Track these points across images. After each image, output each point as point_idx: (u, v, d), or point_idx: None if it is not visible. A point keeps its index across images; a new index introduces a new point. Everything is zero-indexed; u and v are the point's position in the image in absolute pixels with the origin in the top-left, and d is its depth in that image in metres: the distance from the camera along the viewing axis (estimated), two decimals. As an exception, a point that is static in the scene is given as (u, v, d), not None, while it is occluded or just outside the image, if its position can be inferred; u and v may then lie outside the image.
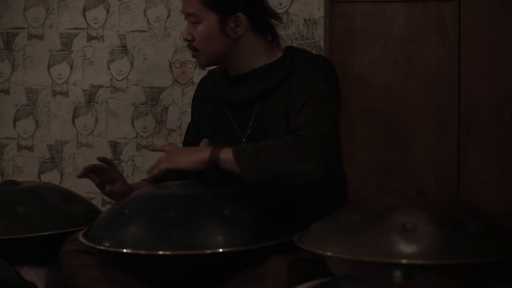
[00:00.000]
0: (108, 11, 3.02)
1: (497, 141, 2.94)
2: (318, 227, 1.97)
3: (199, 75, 2.85)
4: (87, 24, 3.03)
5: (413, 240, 1.77)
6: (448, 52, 2.95)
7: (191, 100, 2.58)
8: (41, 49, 3.06)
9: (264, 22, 2.35)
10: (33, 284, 2.00)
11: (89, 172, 2.32)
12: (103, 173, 2.33)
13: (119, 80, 3.02)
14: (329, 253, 1.84)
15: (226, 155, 2.13)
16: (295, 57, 2.32)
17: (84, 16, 3.03)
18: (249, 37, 2.31)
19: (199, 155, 2.17)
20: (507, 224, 1.91)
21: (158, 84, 2.99)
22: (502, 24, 2.93)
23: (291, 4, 2.88)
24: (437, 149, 2.97)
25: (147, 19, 2.99)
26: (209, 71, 2.50)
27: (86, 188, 2.82)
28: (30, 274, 2.23)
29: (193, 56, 2.37)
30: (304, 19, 2.88)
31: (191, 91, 2.81)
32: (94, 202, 2.70)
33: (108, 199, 2.72)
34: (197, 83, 2.58)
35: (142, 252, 1.95)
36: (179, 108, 2.97)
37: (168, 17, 2.98)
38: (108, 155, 3.01)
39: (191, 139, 2.51)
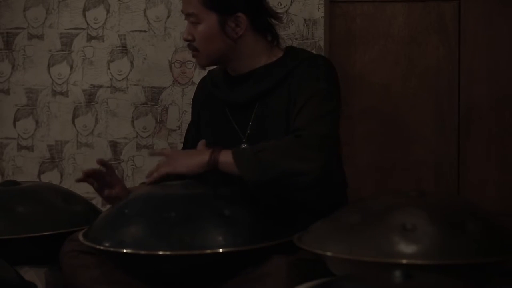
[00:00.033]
0: (108, 11, 3.02)
1: (497, 141, 2.94)
2: (318, 227, 1.97)
3: (199, 75, 2.86)
4: (87, 24, 3.03)
5: (413, 240, 1.77)
6: (448, 52, 2.95)
7: (191, 100, 2.58)
8: (41, 49, 3.06)
9: (264, 22, 2.35)
10: (33, 284, 2.00)
11: (88, 177, 2.31)
12: (102, 177, 2.33)
13: (119, 80, 3.02)
14: (329, 253, 1.84)
15: (226, 157, 2.13)
16: (295, 57, 2.32)
17: (84, 16, 3.03)
18: (249, 37, 2.31)
19: (198, 158, 2.16)
20: (507, 224, 1.91)
21: (158, 84, 2.99)
22: (502, 24, 2.93)
23: (291, 4, 2.88)
24: (437, 149, 2.97)
25: (147, 19, 2.99)
26: (209, 71, 2.50)
27: (86, 188, 2.80)
28: (30, 274, 2.23)
29: (193, 56, 2.37)
30: (304, 19, 2.88)
31: (191, 91, 2.81)
32: (94, 202, 2.70)
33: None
34: (197, 83, 2.58)
35: (142, 252, 1.95)
36: (179, 108, 2.97)
37: (168, 17, 2.98)
38: (108, 155, 3.01)
39: (191, 139, 2.51)
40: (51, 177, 3.05)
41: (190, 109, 2.57)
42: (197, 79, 2.81)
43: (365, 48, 2.99)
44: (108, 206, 2.79)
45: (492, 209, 2.49)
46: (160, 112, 2.99)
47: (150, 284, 2.07)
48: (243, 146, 2.33)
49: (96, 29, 3.03)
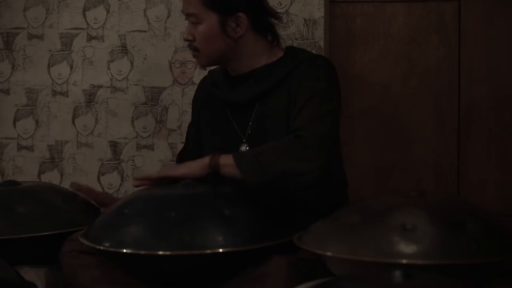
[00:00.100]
0: (108, 11, 3.02)
1: (497, 141, 2.94)
2: (318, 227, 1.97)
3: (199, 75, 2.86)
4: (87, 24, 3.03)
5: (413, 240, 1.77)
6: (448, 52, 2.95)
7: (191, 100, 2.58)
8: (41, 49, 3.06)
9: (265, 22, 2.35)
10: (33, 284, 2.00)
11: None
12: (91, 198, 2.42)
13: (119, 80, 3.02)
14: (329, 253, 1.84)
15: (226, 160, 2.13)
16: (295, 57, 2.32)
17: (84, 16, 3.03)
18: (249, 37, 2.31)
19: (199, 162, 2.17)
20: (507, 224, 1.91)
21: (158, 84, 2.99)
22: (502, 24, 2.93)
23: (291, 4, 2.88)
24: (437, 149, 2.97)
25: (147, 19, 2.99)
26: (209, 71, 2.50)
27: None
28: (30, 274, 2.23)
29: (194, 56, 2.37)
30: (304, 19, 2.88)
31: (191, 91, 2.81)
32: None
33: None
34: (197, 83, 2.58)
35: (142, 252, 1.95)
36: (179, 108, 2.97)
37: (168, 17, 2.98)
38: (108, 155, 3.01)
39: (191, 139, 2.51)
40: (51, 177, 3.05)
41: (190, 109, 2.57)
42: (197, 79, 2.81)
43: (365, 48, 3.00)
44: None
45: (492, 209, 2.49)
46: (160, 112, 2.99)
47: (150, 284, 2.07)
48: (243, 146, 2.33)
49: (96, 29, 3.03)
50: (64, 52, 3.05)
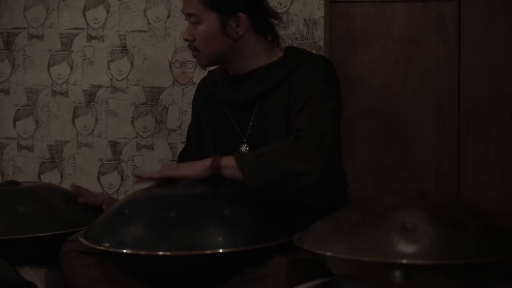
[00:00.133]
0: (108, 11, 3.02)
1: (497, 141, 2.94)
2: (318, 227, 1.97)
3: (199, 75, 2.86)
4: (87, 24, 3.03)
5: (413, 240, 1.77)
6: (448, 52, 2.95)
7: (191, 100, 2.58)
8: (41, 49, 3.06)
9: (265, 22, 2.35)
10: (33, 284, 2.00)
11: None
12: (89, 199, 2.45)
13: (119, 80, 3.02)
14: (329, 253, 1.84)
15: (228, 161, 2.13)
16: (295, 57, 2.32)
17: (84, 16, 3.03)
18: (249, 37, 2.31)
19: (200, 163, 2.16)
20: (507, 224, 1.91)
21: (158, 84, 2.99)
22: (502, 24, 2.93)
23: (291, 4, 2.88)
24: (437, 149, 2.97)
25: (147, 19, 2.99)
26: (209, 72, 2.50)
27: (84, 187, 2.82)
28: (30, 274, 2.23)
29: (194, 56, 2.37)
30: (304, 19, 2.88)
31: (191, 91, 2.81)
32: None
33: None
34: (197, 83, 2.58)
35: (142, 252, 1.95)
36: (179, 108, 2.97)
37: (168, 17, 2.98)
38: (108, 155, 3.01)
39: (192, 140, 2.51)
40: (51, 177, 3.05)
41: (190, 109, 2.57)
42: (197, 79, 2.81)
43: (365, 48, 2.99)
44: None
45: (492, 209, 2.49)
46: (160, 112, 2.99)
47: (150, 285, 2.07)
48: (244, 146, 2.33)
49: (96, 29, 3.03)
50: (64, 52, 3.05)
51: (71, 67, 3.04)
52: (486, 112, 2.94)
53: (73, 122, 3.05)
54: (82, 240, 2.07)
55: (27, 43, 3.07)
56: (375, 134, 3.00)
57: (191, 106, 2.57)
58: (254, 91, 2.32)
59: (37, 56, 3.06)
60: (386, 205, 1.90)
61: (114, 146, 3.02)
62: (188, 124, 2.58)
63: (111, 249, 1.99)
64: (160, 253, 1.94)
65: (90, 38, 3.03)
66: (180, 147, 2.91)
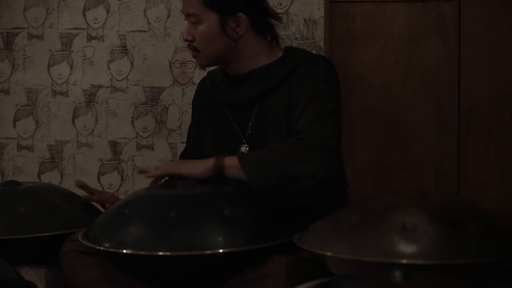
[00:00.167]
0: (108, 11, 3.02)
1: (497, 141, 2.94)
2: (318, 227, 1.97)
3: (199, 75, 2.85)
4: (87, 24, 3.03)
5: (413, 240, 1.77)
6: (448, 52, 2.95)
7: (191, 100, 2.58)
8: (41, 49, 3.06)
9: (264, 22, 2.35)
10: (33, 284, 2.00)
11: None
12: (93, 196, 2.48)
13: (119, 80, 3.02)
14: (329, 253, 1.84)
15: (231, 161, 2.13)
16: (295, 57, 2.32)
17: (84, 16, 3.03)
18: (249, 37, 2.31)
19: (203, 162, 2.16)
20: (507, 224, 1.91)
21: (158, 84, 2.99)
22: (502, 24, 2.93)
23: (291, 4, 2.88)
24: (437, 149, 2.97)
25: (147, 19, 2.99)
26: (208, 72, 2.50)
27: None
28: (30, 274, 2.23)
29: (194, 56, 2.37)
30: (304, 19, 2.88)
31: (191, 91, 2.81)
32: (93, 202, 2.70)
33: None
34: (197, 83, 2.58)
35: (142, 252, 1.95)
36: (179, 108, 2.97)
37: (168, 17, 2.98)
38: (108, 155, 3.01)
39: (192, 140, 2.51)
40: (51, 177, 3.05)
41: (190, 109, 2.57)
42: (197, 79, 2.81)
43: (365, 48, 2.99)
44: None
45: (492, 209, 2.49)
46: (160, 112, 2.99)
47: (150, 285, 2.07)
48: (243, 146, 2.33)
49: (96, 29, 3.03)
50: (64, 52, 3.05)
51: (71, 67, 3.04)
52: (486, 112, 2.94)
53: (73, 122, 3.05)
54: (82, 240, 2.07)
55: (27, 43, 3.07)
56: (375, 134, 2.99)
57: (191, 106, 2.57)
58: (254, 91, 2.31)
59: (37, 56, 3.06)
60: (386, 205, 1.90)
61: (114, 146, 3.02)
62: (188, 124, 2.58)
63: (111, 249, 1.99)
64: (160, 253, 1.94)
65: (90, 38, 3.03)
66: (180, 147, 2.91)
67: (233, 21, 2.28)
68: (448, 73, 2.95)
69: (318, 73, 2.27)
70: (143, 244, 1.96)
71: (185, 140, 2.62)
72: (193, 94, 2.57)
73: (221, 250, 1.94)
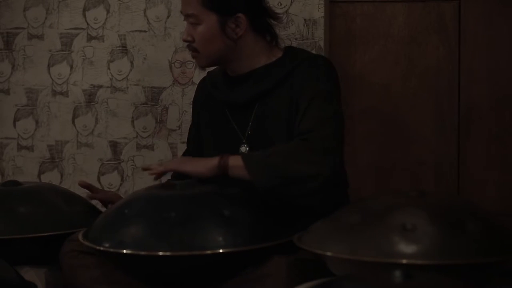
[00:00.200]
0: (108, 11, 3.02)
1: (497, 141, 2.94)
2: (318, 227, 1.97)
3: (199, 75, 2.86)
4: (87, 24, 3.03)
5: (413, 240, 1.77)
6: (448, 52, 2.95)
7: (191, 100, 2.58)
8: (41, 49, 3.06)
9: (264, 23, 2.35)
10: (33, 284, 2.00)
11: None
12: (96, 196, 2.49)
13: (119, 80, 3.02)
14: (329, 253, 1.84)
15: (235, 161, 2.13)
16: (294, 57, 2.32)
17: (84, 16, 3.03)
18: (249, 37, 2.31)
19: (208, 161, 2.16)
20: (507, 224, 1.91)
21: (158, 84, 2.99)
22: (502, 24, 2.93)
23: (291, 4, 2.88)
24: (437, 149, 2.97)
25: (147, 19, 2.99)
26: (208, 72, 2.50)
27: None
28: (30, 274, 2.23)
29: (193, 57, 2.37)
30: (304, 19, 2.88)
31: (191, 91, 2.81)
32: (94, 202, 2.70)
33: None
34: (197, 83, 2.58)
35: (142, 252, 1.95)
36: (179, 108, 2.97)
37: (168, 17, 2.98)
38: (108, 155, 3.01)
39: (192, 140, 2.51)
40: (51, 177, 3.05)
41: (190, 109, 2.57)
42: (197, 79, 2.81)
43: (365, 48, 2.99)
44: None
45: (492, 209, 2.49)
46: (160, 112, 2.99)
47: (150, 285, 2.06)
48: (243, 146, 2.33)
49: (96, 29, 3.03)
50: (64, 52, 3.05)
51: (71, 67, 3.04)
52: (486, 112, 2.94)
53: (73, 122, 3.05)
54: (82, 240, 2.07)
55: (27, 43, 3.07)
56: (375, 134, 2.99)
57: (191, 106, 2.57)
58: (254, 91, 2.31)
59: (37, 56, 3.06)
60: (386, 205, 1.90)
61: (114, 146, 3.02)
62: (188, 124, 2.58)
63: (111, 249, 1.99)
64: (160, 253, 1.94)
65: (90, 38, 3.03)
66: (180, 147, 2.91)
67: (233, 22, 2.28)
68: (448, 73, 2.96)
69: (318, 73, 2.26)
70: (143, 244, 1.96)
71: (185, 140, 2.62)
72: (193, 94, 2.57)
73: (221, 250, 1.94)
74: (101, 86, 3.03)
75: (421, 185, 2.94)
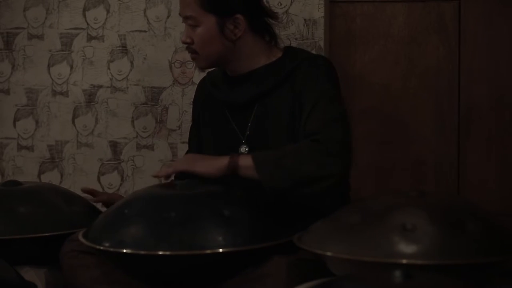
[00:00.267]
0: (108, 11, 3.02)
1: (497, 141, 2.94)
2: (318, 227, 1.97)
3: (199, 75, 2.85)
4: (87, 24, 3.03)
5: (413, 240, 1.77)
6: (448, 52, 2.95)
7: (191, 100, 2.58)
8: (41, 49, 3.06)
9: (262, 23, 2.35)
10: (33, 284, 2.00)
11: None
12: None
13: (119, 80, 3.02)
14: (329, 253, 1.84)
15: (246, 161, 2.12)
16: (294, 57, 2.32)
17: (84, 16, 3.03)
18: (248, 38, 2.31)
19: (217, 161, 2.15)
20: (507, 224, 1.91)
21: (158, 84, 2.99)
22: (502, 24, 2.93)
23: (291, 4, 2.88)
24: (437, 149, 2.97)
25: (147, 19, 2.99)
26: (208, 72, 2.50)
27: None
28: (30, 274, 2.23)
29: (192, 58, 2.36)
30: (304, 19, 2.88)
31: (191, 91, 2.81)
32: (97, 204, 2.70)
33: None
34: (197, 83, 2.58)
35: (142, 252, 1.95)
36: (179, 108, 2.97)
37: (168, 17, 2.98)
38: (108, 155, 3.01)
39: (193, 141, 2.51)
40: (51, 177, 3.05)
41: (190, 109, 2.57)
42: (197, 79, 2.81)
43: (365, 48, 2.99)
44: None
45: (492, 209, 2.49)
46: (160, 112, 2.99)
47: (150, 284, 2.07)
48: (243, 147, 2.33)
49: (96, 29, 3.03)
50: (64, 52, 3.05)
51: (71, 67, 3.04)
52: (486, 112, 2.94)
53: (73, 122, 3.05)
54: (82, 240, 2.07)
55: (27, 43, 3.07)
56: (375, 134, 2.99)
57: (191, 106, 2.57)
58: (254, 91, 2.31)
59: (37, 56, 3.06)
60: (386, 205, 1.90)
61: (114, 146, 3.02)
62: (188, 124, 2.59)
63: (111, 249, 1.99)
64: (160, 252, 1.94)
65: (90, 38, 3.03)
66: (180, 147, 2.91)
67: (231, 23, 2.28)
68: (448, 73, 2.96)
69: (319, 73, 2.26)
70: (143, 243, 1.96)
71: (185, 140, 2.62)
72: (193, 94, 2.57)
73: (220, 250, 1.94)
74: (101, 86, 3.03)
75: (421, 185, 2.94)
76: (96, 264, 2.11)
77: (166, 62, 2.98)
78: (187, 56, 2.88)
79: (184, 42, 2.33)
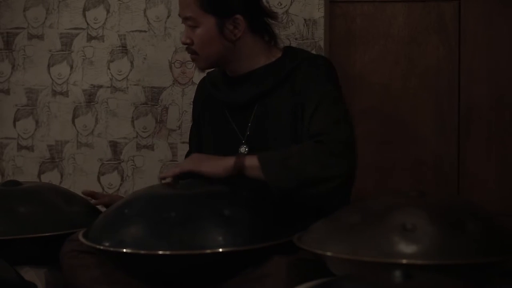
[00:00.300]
0: (108, 11, 3.02)
1: (497, 141, 2.94)
2: (318, 227, 1.97)
3: (199, 75, 2.85)
4: (87, 24, 3.03)
5: (413, 240, 1.77)
6: (448, 52, 2.95)
7: (191, 100, 2.58)
8: (41, 49, 3.06)
9: (262, 23, 2.35)
10: (33, 284, 2.00)
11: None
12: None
13: (119, 80, 3.02)
14: (329, 253, 1.84)
15: (251, 162, 2.12)
16: (294, 57, 2.32)
17: (84, 16, 3.03)
18: (247, 38, 2.31)
19: (223, 161, 2.15)
20: (507, 224, 1.91)
21: (158, 84, 2.99)
22: (502, 24, 2.93)
23: (291, 4, 2.88)
24: (437, 149, 2.97)
25: (147, 19, 2.99)
26: (208, 72, 2.50)
27: (86, 189, 2.82)
28: (30, 274, 2.23)
29: (192, 59, 2.36)
30: (304, 19, 2.88)
31: (191, 91, 2.81)
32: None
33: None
34: (197, 83, 2.58)
35: (142, 252, 1.95)
36: (179, 108, 2.97)
37: (168, 17, 2.98)
38: (108, 155, 3.01)
39: (194, 141, 2.51)
40: (51, 177, 3.05)
41: (190, 109, 2.57)
42: (197, 79, 2.81)
43: (365, 48, 2.99)
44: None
45: (492, 209, 2.49)
46: (160, 112, 2.99)
47: (150, 284, 2.07)
48: (243, 147, 2.33)
49: (96, 29, 3.03)
50: (64, 52, 3.05)
51: (71, 67, 3.04)
52: (486, 112, 2.94)
53: (73, 122, 3.05)
54: (82, 239, 2.07)
55: (27, 43, 3.07)
56: (375, 134, 2.99)
57: (191, 106, 2.57)
58: (253, 92, 2.31)
59: (37, 56, 3.06)
60: (386, 205, 1.90)
61: (114, 146, 3.02)
62: (188, 124, 2.59)
63: (111, 249, 1.99)
64: (160, 252, 1.94)
65: (90, 38, 3.03)
66: (180, 147, 2.91)
67: (231, 23, 2.27)
68: (448, 73, 2.96)
69: (320, 73, 2.26)
70: (143, 243, 1.96)
71: (185, 140, 2.62)
72: (193, 94, 2.57)
73: (220, 250, 1.94)
74: (101, 86, 3.03)
75: (421, 185, 2.94)
76: (96, 264, 2.11)
77: (166, 62, 2.98)
78: (187, 56, 2.88)
79: (183, 43, 2.33)
